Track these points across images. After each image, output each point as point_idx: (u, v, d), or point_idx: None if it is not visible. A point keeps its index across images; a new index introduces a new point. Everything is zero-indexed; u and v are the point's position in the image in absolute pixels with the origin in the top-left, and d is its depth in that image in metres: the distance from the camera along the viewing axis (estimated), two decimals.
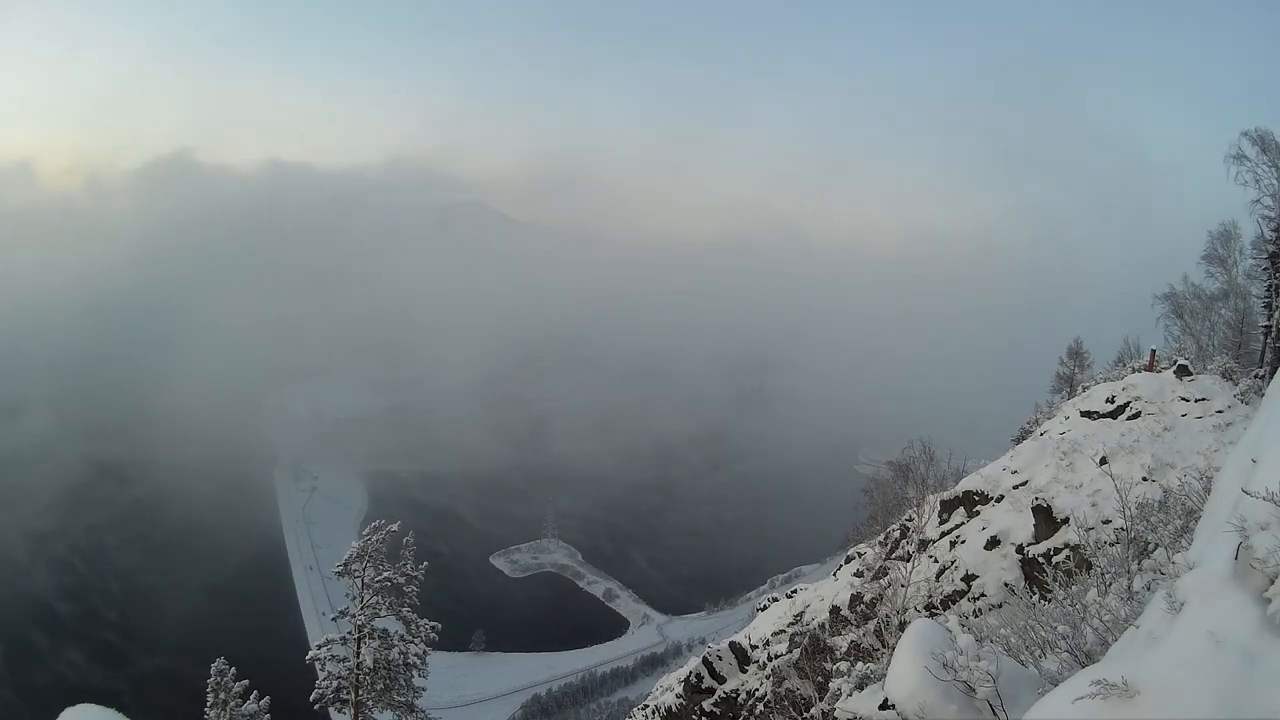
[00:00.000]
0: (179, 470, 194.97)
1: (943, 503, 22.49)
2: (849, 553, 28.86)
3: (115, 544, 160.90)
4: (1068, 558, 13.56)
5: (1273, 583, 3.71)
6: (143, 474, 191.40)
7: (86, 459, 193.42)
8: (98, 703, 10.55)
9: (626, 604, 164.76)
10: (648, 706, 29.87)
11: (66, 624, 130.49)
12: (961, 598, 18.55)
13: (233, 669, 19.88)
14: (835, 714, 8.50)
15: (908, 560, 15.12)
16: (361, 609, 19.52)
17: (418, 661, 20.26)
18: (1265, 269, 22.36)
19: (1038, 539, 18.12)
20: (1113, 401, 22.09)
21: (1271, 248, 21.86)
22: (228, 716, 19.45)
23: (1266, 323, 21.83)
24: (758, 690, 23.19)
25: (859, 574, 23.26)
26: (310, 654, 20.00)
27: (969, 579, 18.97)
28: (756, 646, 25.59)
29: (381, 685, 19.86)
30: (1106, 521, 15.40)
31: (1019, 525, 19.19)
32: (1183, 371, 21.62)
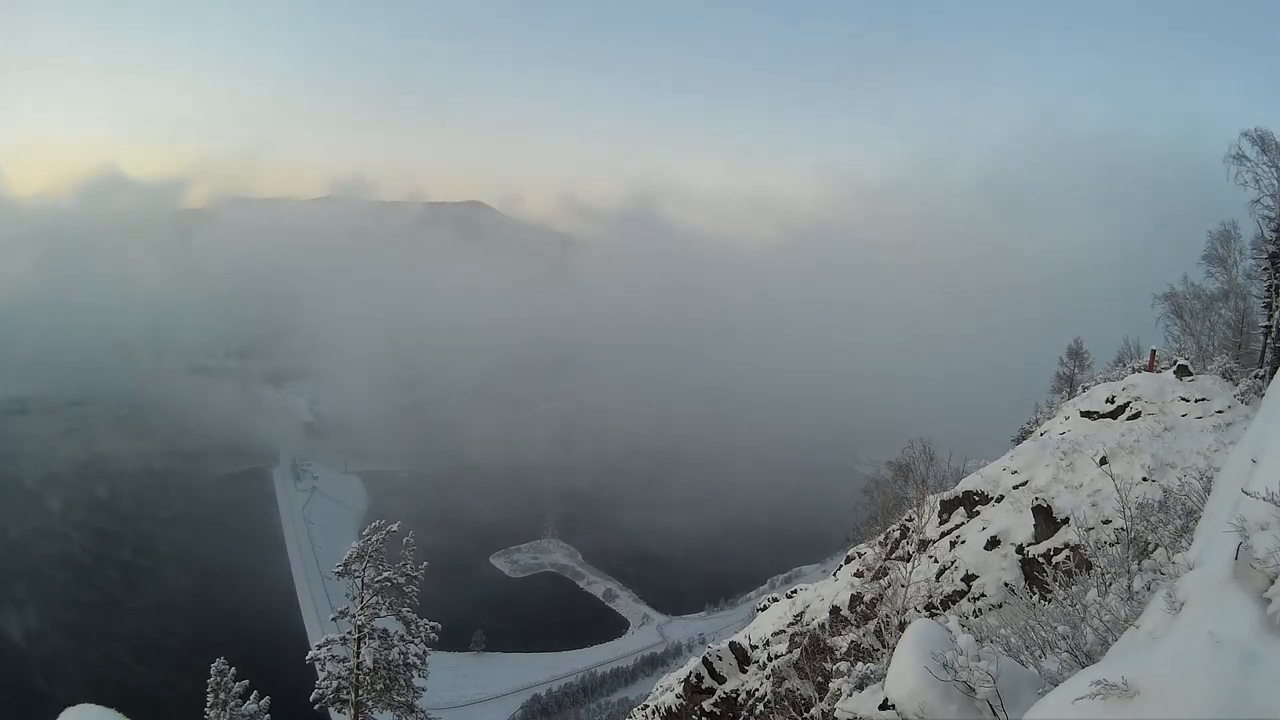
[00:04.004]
0: (178, 470, 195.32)
1: (943, 503, 22.51)
2: (849, 553, 28.87)
3: (114, 544, 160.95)
4: (1068, 558, 13.55)
5: (1273, 583, 3.71)
6: (142, 474, 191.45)
7: (84, 458, 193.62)
8: (97, 703, 10.55)
9: (626, 604, 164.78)
10: (648, 706, 29.86)
11: (64, 624, 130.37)
12: (961, 598, 18.55)
13: (233, 669, 19.86)
14: (835, 714, 8.49)
15: (908, 560, 15.10)
16: (361, 609, 19.49)
17: (418, 661, 20.23)
18: (1265, 269, 22.35)
19: (1038, 539, 18.13)
20: (1113, 401, 22.11)
21: (1271, 248, 21.86)
22: (228, 716, 19.44)
23: (1266, 323, 21.83)
24: (758, 690, 23.19)
25: (859, 574, 23.27)
26: (310, 654, 19.96)
27: (969, 579, 18.98)
28: (756, 646, 25.59)
29: (381, 685, 19.83)
30: (1106, 521, 15.41)
31: (1019, 525, 19.20)
32: (1183, 371, 21.63)
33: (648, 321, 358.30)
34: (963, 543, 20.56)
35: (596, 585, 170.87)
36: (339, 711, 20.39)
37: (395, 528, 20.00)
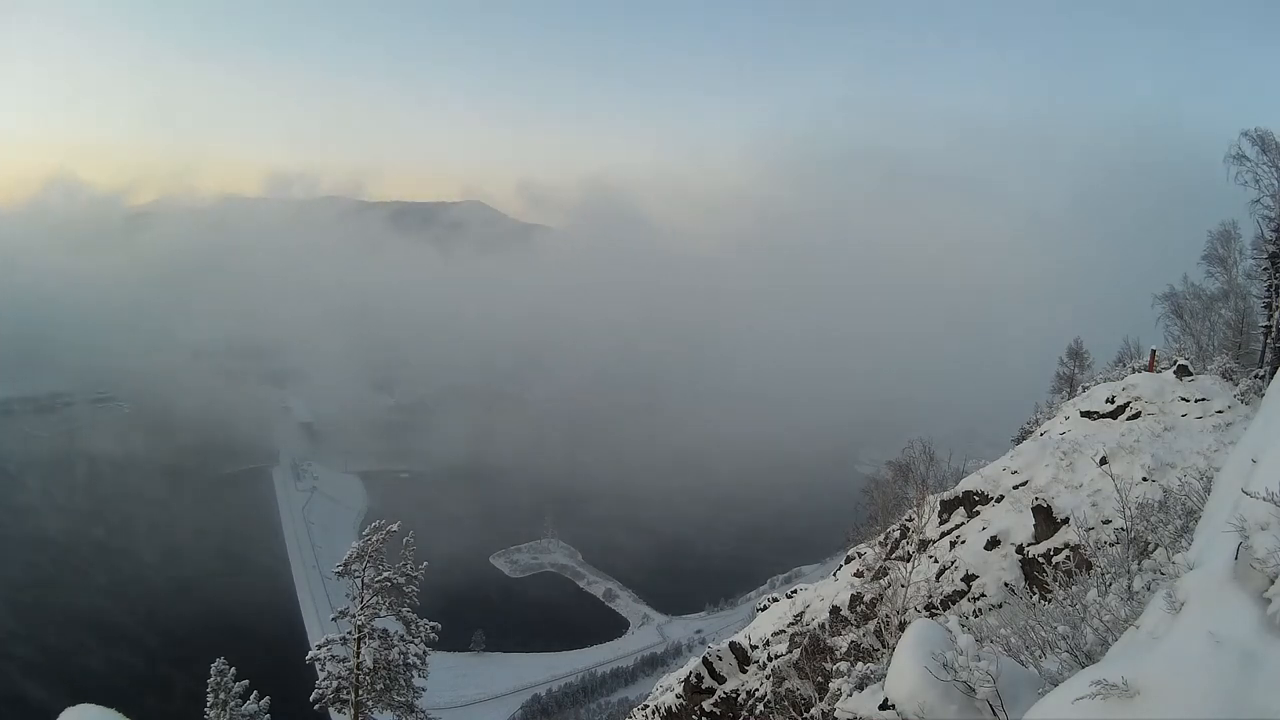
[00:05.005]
0: (178, 470, 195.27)
1: (943, 503, 22.49)
2: (849, 553, 28.87)
3: (114, 544, 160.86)
4: (1068, 558, 13.55)
5: (1273, 583, 3.71)
6: (139, 472, 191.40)
7: (85, 457, 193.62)
8: (97, 703, 10.54)
9: (626, 604, 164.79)
10: (648, 706, 29.85)
11: (64, 624, 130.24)
12: (961, 598, 18.54)
13: (233, 669, 19.85)
14: (835, 714, 8.49)
15: (908, 560, 15.10)
16: (361, 609, 19.48)
17: (418, 662, 20.22)
18: (1265, 269, 22.34)
19: (1038, 539, 18.13)
20: (1113, 401, 22.10)
21: (1271, 248, 21.84)
22: (228, 716, 19.43)
23: (1266, 323, 21.82)
24: (758, 690, 23.18)
25: (859, 574, 23.26)
26: (310, 654, 19.95)
27: (969, 579, 18.98)
28: (756, 646, 25.57)
29: (381, 685, 19.82)
30: (1106, 521, 15.41)
31: (1019, 525, 19.20)
32: (1183, 371, 21.62)
33: (645, 320, 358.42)
34: (963, 543, 20.55)
35: (596, 585, 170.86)
36: (339, 711, 20.38)
37: (395, 528, 19.98)
